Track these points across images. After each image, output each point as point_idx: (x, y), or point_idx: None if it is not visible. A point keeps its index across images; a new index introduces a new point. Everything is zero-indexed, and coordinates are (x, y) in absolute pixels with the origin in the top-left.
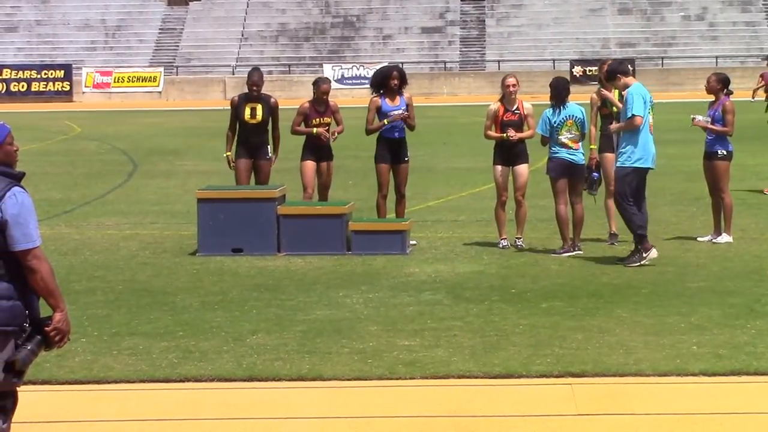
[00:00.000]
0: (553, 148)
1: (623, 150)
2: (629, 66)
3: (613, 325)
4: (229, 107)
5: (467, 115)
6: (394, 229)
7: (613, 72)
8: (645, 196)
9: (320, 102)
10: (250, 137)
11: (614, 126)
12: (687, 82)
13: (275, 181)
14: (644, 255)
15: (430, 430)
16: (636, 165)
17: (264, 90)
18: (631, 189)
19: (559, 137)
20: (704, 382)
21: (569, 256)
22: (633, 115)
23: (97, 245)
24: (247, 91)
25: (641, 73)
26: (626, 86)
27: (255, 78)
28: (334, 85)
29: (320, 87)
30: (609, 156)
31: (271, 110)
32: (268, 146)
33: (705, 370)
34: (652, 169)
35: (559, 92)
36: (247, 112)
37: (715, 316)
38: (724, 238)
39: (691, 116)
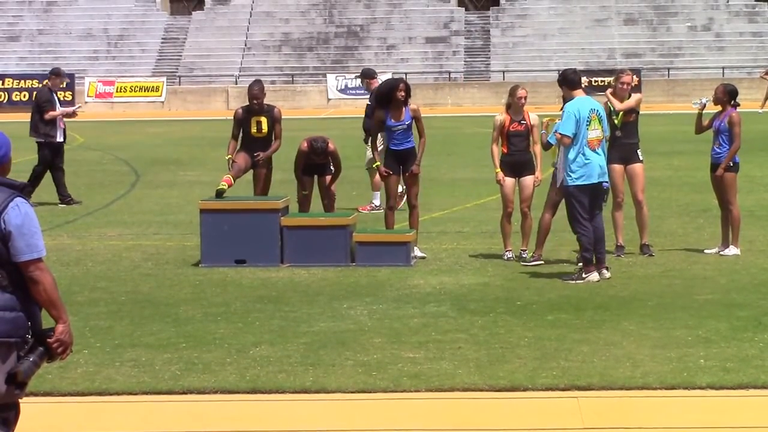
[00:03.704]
0: None
1: (565, 170)
2: (580, 77)
3: (620, 337)
4: (232, 118)
5: (472, 125)
6: (399, 240)
7: (562, 80)
8: (601, 209)
9: (316, 154)
10: (255, 149)
11: (544, 137)
12: (693, 92)
13: (277, 192)
14: (583, 276)
15: None
16: (578, 183)
17: (267, 100)
18: (581, 206)
19: None
20: (711, 396)
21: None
22: (560, 135)
23: (99, 256)
24: (248, 104)
25: (647, 83)
26: (571, 98)
27: (255, 91)
28: (337, 95)
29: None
30: (617, 168)
31: (275, 121)
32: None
33: (712, 384)
34: (602, 183)
35: None
36: (254, 127)
37: (723, 329)
38: (732, 250)
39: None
